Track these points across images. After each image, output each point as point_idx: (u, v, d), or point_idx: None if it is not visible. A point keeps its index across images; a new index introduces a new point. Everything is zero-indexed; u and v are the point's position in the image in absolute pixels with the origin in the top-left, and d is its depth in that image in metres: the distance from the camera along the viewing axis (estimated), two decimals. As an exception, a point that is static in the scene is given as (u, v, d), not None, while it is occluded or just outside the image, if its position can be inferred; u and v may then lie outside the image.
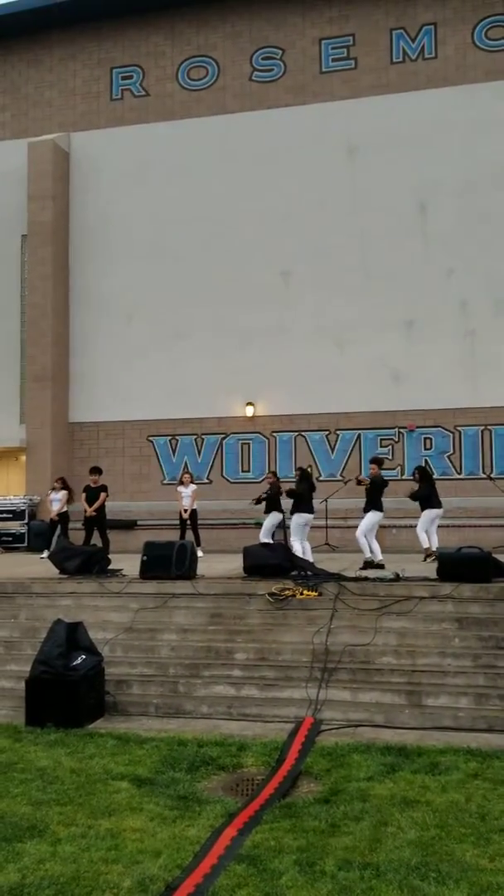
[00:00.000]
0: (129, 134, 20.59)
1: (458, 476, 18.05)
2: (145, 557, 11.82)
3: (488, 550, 11.66)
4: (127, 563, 12.78)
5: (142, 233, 20.17)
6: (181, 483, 16.20)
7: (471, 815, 6.01)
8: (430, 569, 11.88)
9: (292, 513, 13.54)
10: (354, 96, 19.39)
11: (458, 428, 18.37)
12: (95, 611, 10.98)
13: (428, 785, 6.63)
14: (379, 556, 12.91)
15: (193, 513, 15.91)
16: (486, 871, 5.13)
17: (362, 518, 13.11)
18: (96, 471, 15.34)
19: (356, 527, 13.34)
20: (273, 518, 14.19)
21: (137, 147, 20.42)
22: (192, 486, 16.04)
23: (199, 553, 13.78)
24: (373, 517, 13.03)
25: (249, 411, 19.38)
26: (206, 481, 19.19)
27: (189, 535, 15.44)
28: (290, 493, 13.62)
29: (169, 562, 11.61)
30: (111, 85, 20.96)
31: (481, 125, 18.48)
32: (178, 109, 20.46)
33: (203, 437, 19.68)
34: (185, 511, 15.80)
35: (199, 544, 14.99)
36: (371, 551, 12.97)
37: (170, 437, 19.86)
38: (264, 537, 13.88)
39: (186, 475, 16.36)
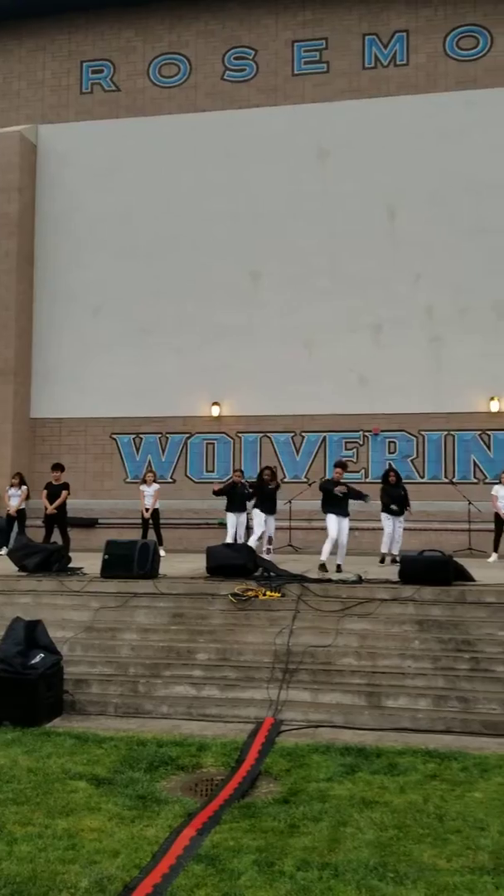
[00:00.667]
0: (99, 128, 20.44)
1: (421, 480, 18.18)
2: (107, 556, 11.73)
3: (450, 554, 11.79)
4: (88, 561, 12.68)
5: (110, 228, 20.04)
6: (144, 482, 16.11)
7: (428, 816, 6.05)
8: (393, 571, 11.97)
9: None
10: (326, 100, 19.45)
11: (422, 432, 18.51)
12: (55, 609, 10.87)
13: (386, 785, 6.66)
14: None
15: (156, 512, 15.83)
16: (444, 871, 5.17)
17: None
18: (58, 468, 15.20)
19: (322, 528, 13.40)
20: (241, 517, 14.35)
21: (107, 142, 20.28)
22: (155, 486, 15.96)
23: (162, 552, 13.72)
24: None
25: (215, 411, 19.34)
26: (170, 480, 19.11)
27: (151, 535, 15.36)
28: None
29: (131, 561, 11.54)
30: (81, 78, 20.79)
31: (451, 133, 18.65)
32: (149, 106, 20.36)
33: (167, 435, 19.59)
34: (148, 510, 15.71)
35: (161, 544, 14.92)
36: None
37: (133, 436, 19.74)
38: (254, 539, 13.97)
39: (149, 474, 16.28)
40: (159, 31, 20.45)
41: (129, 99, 20.50)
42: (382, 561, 14.01)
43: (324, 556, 12.70)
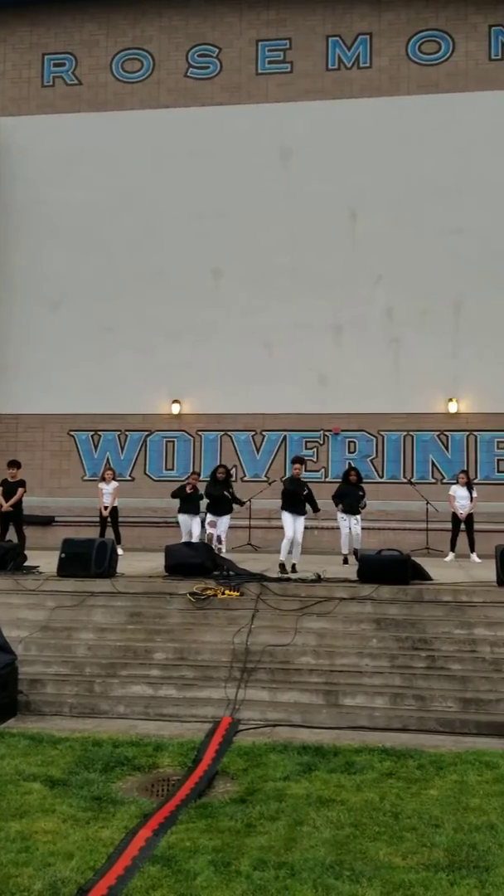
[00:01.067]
0: (61, 122, 20.21)
1: (380, 480, 18.30)
2: (63, 555, 11.61)
3: (408, 553, 11.87)
4: (44, 560, 12.53)
5: (71, 222, 19.82)
6: (102, 479, 15.97)
7: (384, 814, 6.08)
8: (352, 570, 12.02)
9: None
10: (289, 100, 19.47)
11: (382, 433, 18.63)
12: (9, 608, 10.71)
13: (343, 784, 6.68)
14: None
15: (114, 510, 15.71)
16: (399, 868, 5.19)
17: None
18: (14, 464, 14.98)
19: (279, 528, 13.39)
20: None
21: (69, 136, 20.05)
22: (114, 483, 15.84)
23: (120, 551, 13.62)
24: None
25: (175, 409, 19.25)
26: (129, 478, 18.98)
27: (109, 533, 15.23)
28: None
29: (88, 560, 11.43)
30: (43, 71, 20.54)
31: (412, 137, 18.79)
32: (111, 100, 20.20)
33: (127, 433, 19.45)
34: (106, 508, 15.59)
35: (119, 542, 14.81)
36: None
37: (92, 433, 19.57)
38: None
39: (108, 472, 16.14)
40: (123, 25, 20.30)
41: (92, 93, 20.32)
42: (346, 561, 14.00)
43: (282, 556, 12.70)
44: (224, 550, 13.86)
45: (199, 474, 15.47)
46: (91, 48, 20.39)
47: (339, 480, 15.12)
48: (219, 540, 13.84)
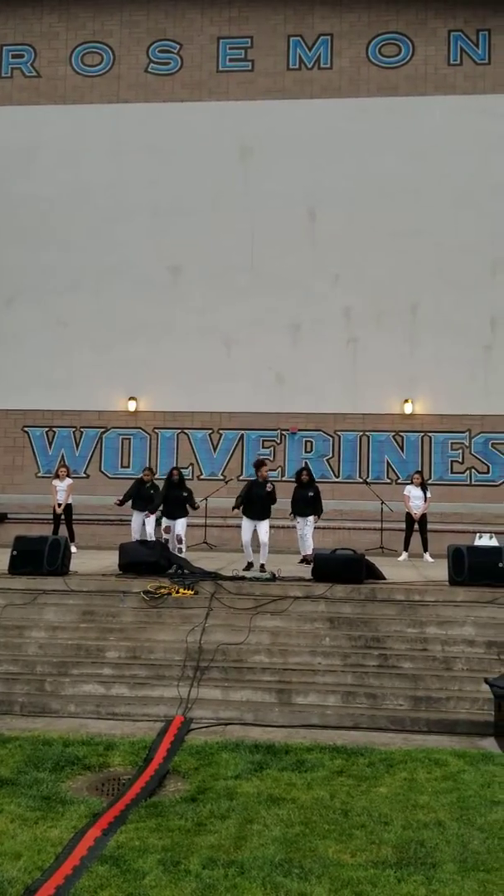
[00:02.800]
0: (18, 114, 19.94)
1: (336, 479, 18.39)
2: (15, 552, 11.48)
3: (362, 552, 11.95)
4: (-4, 556, 12.37)
5: (27, 215, 19.57)
6: (56, 476, 15.80)
7: (334, 812, 6.11)
8: (307, 569, 12.06)
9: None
10: (250, 98, 19.46)
11: (338, 432, 18.73)
12: (-39, 605, 10.56)
13: (294, 782, 6.70)
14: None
15: (69, 507, 15.56)
16: (348, 865, 5.22)
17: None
18: None
19: (236, 526, 13.36)
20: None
21: (27, 128, 19.80)
22: (68, 480, 15.68)
23: (73, 549, 13.48)
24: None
25: (131, 406, 19.13)
26: (84, 476, 18.82)
27: (63, 531, 15.08)
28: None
29: (41, 557, 11.32)
30: (1, 62, 20.24)
31: (371, 138, 18.91)
32: (71, 94, 20.00)
33: (82, 429, 19.28)
34: (60, 505, 15.43)
35: (73, 540, 14.66)
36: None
37: (47, 429, 19.36)
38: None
39: (62, 468, 15.95)
40: (83, 18, 20.11)
41: (50, 86, 20.09)
42: (302, 561, 13.89)
43: (248, 558, 12.64)
44: (184, 550, 13.80)
45: (152, 470, 15.37)
46: (50, 40, 20.16)
47: (294, 480, 14.99)
48: (178, 540, 13.70)
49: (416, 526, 15.19)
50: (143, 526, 14.42)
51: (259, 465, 13.49)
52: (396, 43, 19.30)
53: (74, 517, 15.78)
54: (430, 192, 18.67)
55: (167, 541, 13.50)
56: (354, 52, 19.38)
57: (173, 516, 13.84)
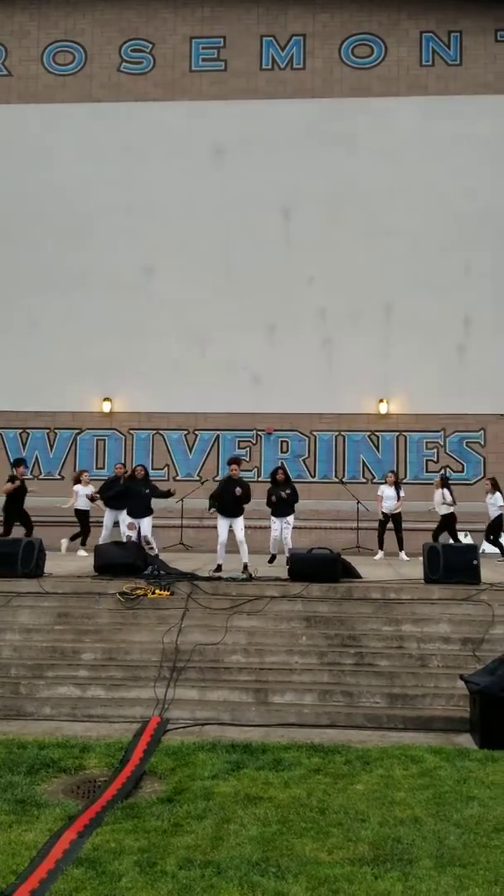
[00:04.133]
0: (-10, 114, 19.80)
1: (312, 479, 18.42)
2: (-11, 554, 11.36)
3: (338, 552, 11.97)
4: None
5: (-1, 217, 19.44)
6: (79, 481, 15.66)
7: (311, 810, 6.11)
8: (283, 569, 12.06)
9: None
10: (223, 98, 19.44)
11: (314, 433, 18.76)
12: None
13: (271, 781, 6.69)
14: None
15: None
16: (325, 864, 5.22)
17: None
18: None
19: (213, 527, 13.32)
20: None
21: (-2, 128, 19.67)
22: (91, 488, 15.53)
23: (83, 552, 13.80)
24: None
25: (106, 407, 19.04)
26: (58, 477, 18.70)
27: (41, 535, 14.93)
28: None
29: (14, 559, 11.22)
30: (-28, 61, 20.10)
31: (344, 139, 18.95)
32: (42, 93, 19.86)
33: (56, 431, 19.16)
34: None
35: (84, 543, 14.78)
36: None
37: (20, 430, 19.21)
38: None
39: (85, 473, 16.00)
40: (54, 17, 19.99)
41: (22, 85, 19.95)
42: (271, 560, 13.90)
43: (219, 559, 12.60)
44: (156, 551, 13.72)
45: (124, 465, 15.32)
46: (21, 39, 20.02)
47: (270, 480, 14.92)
48: (146, 541, 13.56)
49: (389, 525, 15.25)
50: (116, 525, 14.28)
51: (231, 462, 13.38)
52: (369, 44, 19.37)
53: (49, 519, 15.64)
54: (403, 192, 18.76)
55: (129, 537, 13.35)
56: (327, 52, 19.43)
57: (136, 515, 13.71)
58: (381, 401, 18.59)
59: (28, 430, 19.17)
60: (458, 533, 15.53)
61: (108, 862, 5.18)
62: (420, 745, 7.68)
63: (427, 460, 18.52)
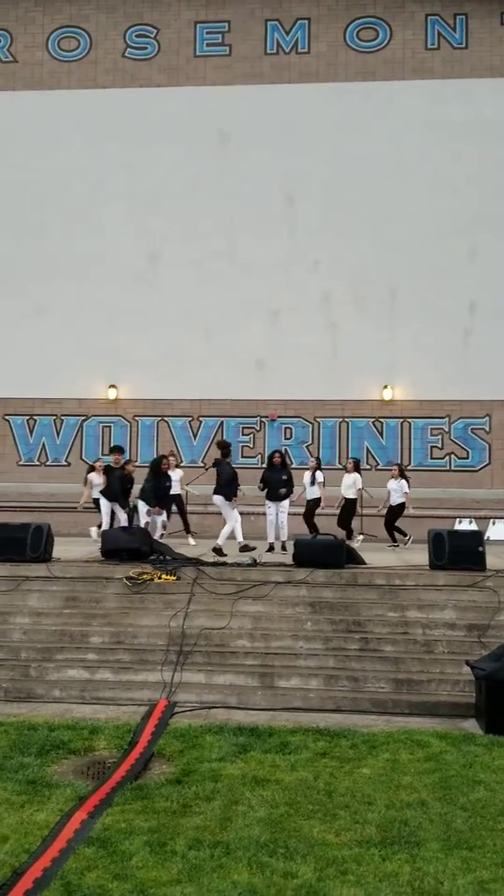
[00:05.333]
0: (-6, 100, 19.74)
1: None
2: (-2, 539, 11.44)
3: (342, 538, 12.02)
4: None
5: (3, 203, 19.41)
6: (92, 469, 15.19)
7: (318, 792, 6.19)
8: (286, 556, 12.12)
9: None
10: (227, 83, 19.36)
11: (318, 419, 18.79)
12: None
13: (278, 764, 6.77)
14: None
15: (179, 497, 15.15)
16: (332, 845, 5.29)
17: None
18: (118, 450, 14.50)
19: (216, 513, 13.39)
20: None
21: (2, 114, 19.61)
22: (179, 472, 15.19)
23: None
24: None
25: (112, 394, 19.08)
26: (65, 463, 18.77)
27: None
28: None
29: (23, 544, 11.29)
30: (-24, 47, 20.03)
31: (349, 123, 18.88)
32: (47, 79, 19.80)
33: (63, 417, 19.22)
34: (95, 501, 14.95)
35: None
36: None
37: (27, 417, 19.27)
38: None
39: (172, 457, 15.09)
40: (59, 3, 19.89)
41: (27, 71, 19.88)
42: (270, 549, 13.52)
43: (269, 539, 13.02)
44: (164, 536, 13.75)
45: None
46: (27, 25, 19.94)
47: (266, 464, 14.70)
48: (164, 526, 13.59)
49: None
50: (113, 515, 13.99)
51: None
52: (374, 27, 19.26)
53: (54, 505, 15.70)
54: (408, 177, 18.70)
55: (155, 523, 13.36)
56: (332, 36, 19.32)
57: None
58: (385, 387, 18.60)
59: (35, 417, 19.23)
60: (464, 520, 15.50)
61: (118, 842, 5.26)
62: (426, 730, 7.75)
63: (432, 447, 18.54)
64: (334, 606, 10.23)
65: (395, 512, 14.77)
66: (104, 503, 14.18)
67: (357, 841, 5.36)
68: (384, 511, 14.99)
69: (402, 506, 14.70)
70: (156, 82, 19.54)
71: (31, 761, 6.70)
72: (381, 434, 18.65)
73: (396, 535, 14.75)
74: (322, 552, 11.14)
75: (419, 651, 9.51)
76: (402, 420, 18.64)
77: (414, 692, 8.81)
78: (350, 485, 15.02)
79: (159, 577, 10.70)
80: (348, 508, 15.07)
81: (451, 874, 4.93)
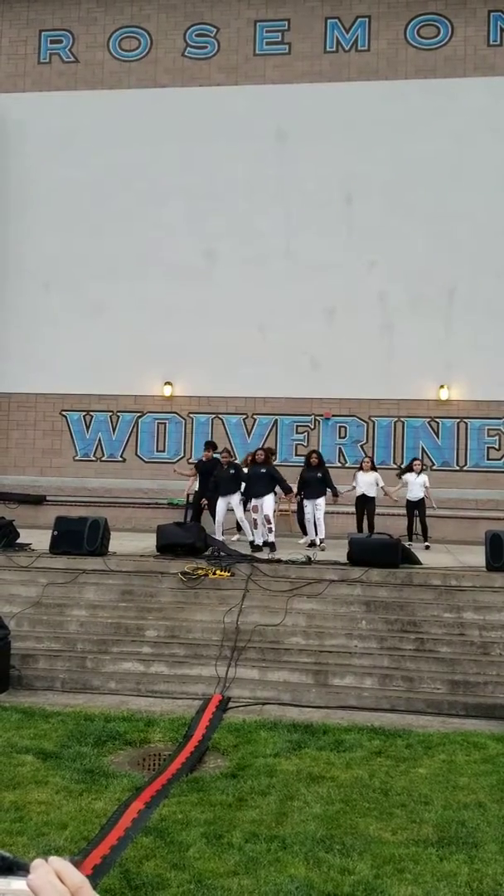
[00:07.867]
0: (56, 100, 20.00)
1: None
2: (56, 532, 11.63)
3: (398, 538, 11.94)
4: (35, 538, 12.53)
5: (63, 202, 19.67)
6: (361, 468, 15.31)
7: (374, 791, 6.16)
8: (342, 553, 12.07)
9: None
10: (286, 82, 19.35)
11: (373, 418, 18.67)
12: (2, 584, 10.76)
13: (333, 761, 6.76)
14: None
15: (422, 502, 15.23)
16: (389, 843, 5.27)
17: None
18: (211, 446, 15.05)
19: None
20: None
21: (64, 114, 19.87)
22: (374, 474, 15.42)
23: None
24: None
25: (167, 391, 19.21)
26: (120, 459, 18.97)
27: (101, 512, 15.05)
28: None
29: (80, 537, 11.46)
30: (39, 48, 20.32)
31: (409, 122, 18.71)
32: (108, 79, 20.02)
33: (118, 414, 19.42)
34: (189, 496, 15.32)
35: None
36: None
37: (84, 413, 19.52)
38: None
39: (367, 459, 15.46)
40: (121, 3, 20.09)
41: (88, 71, 20.13)
42: (311, 545, 13.77)
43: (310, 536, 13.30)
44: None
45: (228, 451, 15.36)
46: (89, 25, 20.18)
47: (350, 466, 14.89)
48: (267, 520, 13.45)
49: (416, 512, 15.14)
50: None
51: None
52: (435, 24, 19.05)
53: (110, 500, 15.87)
54: (468, 175, 18.45)
55: (255, 520, 13.42)
56: (392, 33, 19.16)
57: (258, 495, 13.58)
58: (441, 386, 18.39)
59: (91, 413, 19.46)
60: None
61: (175, 832, 5.31)
62: (482, 732, 7.66)
63: (488, 447, 18.28)
64: (389, 606, 10.17)
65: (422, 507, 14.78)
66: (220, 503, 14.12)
67: (414, 840, 5.32)
68: (437, 510, 15.00)
69: (422, 501, 14.74)
70: (215, 81, 19.61)
71: (89, 751, 6.80)
72: (437, 434, 18.45)
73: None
74: (377, 551, 11.08)
75: (475, 653, 9.40)
76: (458, 420, 18.42)
77: (470, 694, 8.71)
78: (371, 482, 15.01)
79: (213, 573, 10.76)
80: (370, 507, 15.03)
81: (510, 877, 4.87)
